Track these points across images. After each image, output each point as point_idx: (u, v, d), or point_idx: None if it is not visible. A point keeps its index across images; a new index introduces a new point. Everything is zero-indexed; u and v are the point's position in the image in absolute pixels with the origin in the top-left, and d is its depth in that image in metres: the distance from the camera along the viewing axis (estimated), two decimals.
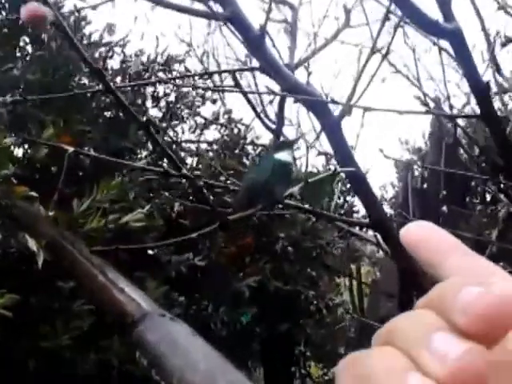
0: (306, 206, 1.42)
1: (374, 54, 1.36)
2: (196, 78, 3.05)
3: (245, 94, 3.44)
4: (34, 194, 1.36)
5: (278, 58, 1.38)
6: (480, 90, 1.12)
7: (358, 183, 1.25)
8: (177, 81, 2.60)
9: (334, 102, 1.18)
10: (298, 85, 1.27)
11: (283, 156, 1.09)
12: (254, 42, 1.27)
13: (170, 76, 2.62)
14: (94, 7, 1.92)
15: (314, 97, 1.20)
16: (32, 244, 1.02)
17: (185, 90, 2.87)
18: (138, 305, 0.73)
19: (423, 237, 0.25)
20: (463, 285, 0.20)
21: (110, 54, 2.77)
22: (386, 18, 1.24)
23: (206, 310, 2.60)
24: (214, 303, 2.56)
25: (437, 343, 0.20)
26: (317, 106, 1.25)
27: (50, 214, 1.37)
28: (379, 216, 1.23)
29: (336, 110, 1.25)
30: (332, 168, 2.92)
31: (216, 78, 3.45)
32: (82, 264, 0.81)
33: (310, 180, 1.00)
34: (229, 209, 1.09)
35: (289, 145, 1.16)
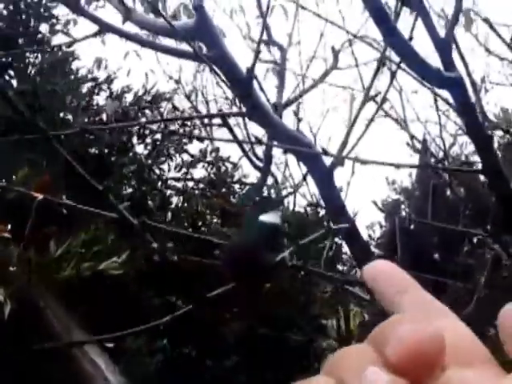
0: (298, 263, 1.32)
1: (368, 102, 1.33)
2: (184, 116, 3.02)
3: (232, 131, 3.42)
4: (6, 235, 1.29)
5: (265, 102, 1.32)
6: (482, 141, 1.07)
7: (352, 238, 1.19)
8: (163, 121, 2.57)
9: (325, 153, 1.11)
10: (287, 132, 1.22)
11: (271, 217, 0.98)
12: (241, 84, 1.21)
13: (156, 113, 2.58)
14: (87, 37, 1.88)
15: (304, 145, 1.15)
16: None
17: (172, 127, 2.84)
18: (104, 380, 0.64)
19: (384, 274, 0.27)
20: (402, 321, 0.22)
21: (96, 90, 2.73)
22: (382, 64, 1.20)
23: (190, 355, 2.49)
24: (198, 349, 2.45)
25: (368, 376, 0.21)
26: (307, 157, 1.20)
27: (23, 255, 1.29)
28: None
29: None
30: (321, 215, 2.86)
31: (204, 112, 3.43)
32: (48, 322, 0.73)
33: (301, 242, 0.91)
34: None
35: (275, 204, 1.04)
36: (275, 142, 1.44)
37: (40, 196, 0.85)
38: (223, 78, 1.23)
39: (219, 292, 0.70)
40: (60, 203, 0.50)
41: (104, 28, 1.44)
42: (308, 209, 3.13)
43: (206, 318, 2.24)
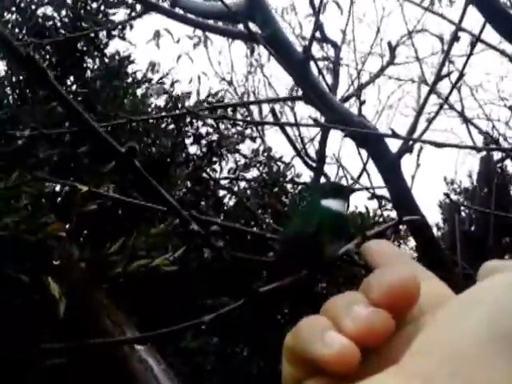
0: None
1: (441, 80, 1.22)
2: (236, 116, 3.03)
3: (285, 130, 3.39)
4: (63, 234, 1.32)
5: (323, 85, 1.24)
6: None
7: (422, 232, 1.12)
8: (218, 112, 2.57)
9: (395, 135, 0.96)
10: (349, 116, 1.14)
11: (336, 205, 0.85)
12: (297, 66, 1.14)
13: (213, 115, 2.59)
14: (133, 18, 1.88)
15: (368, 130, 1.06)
16: (54, 289, 0.96)
17: (226, 131, 2.84)
18: None
19: (380, 250, 0.31)
20: (385, 269, 0.26)
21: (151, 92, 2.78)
22: (456, 39, 1.10)
23: (242, 354, 2.49)
24: (250, 349, 2.44)
25: (355, 311, 0.24)
26: (371, 141, 1.12)
27: (79, 254, 1.33)
28: (443, 265, 1.10)
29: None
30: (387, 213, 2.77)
31: (256, 115, 3.43)
32: (101, 319, 0.74)
33: (368, 234, 0.81)
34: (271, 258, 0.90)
35: (343, 191, 0.89)
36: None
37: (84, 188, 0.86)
38: (278, 58, 1.17)
39: (273, 287, 0.65)
40: (106, 195, 0.49)
41: (155, 9, 1.43)
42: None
43: (259, 316, 2.23)
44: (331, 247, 0.83)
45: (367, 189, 1.65)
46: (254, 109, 4.14)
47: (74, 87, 2.61)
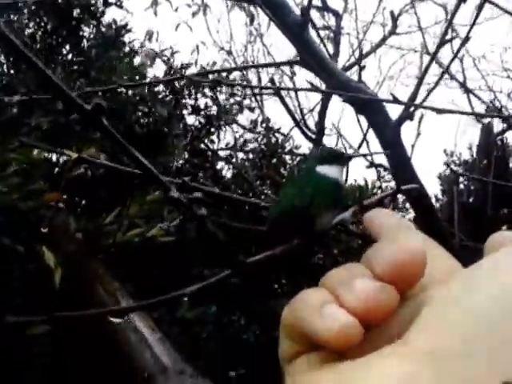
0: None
1: (445, 44, 1.17)
2: (234, 87, 2.99)
3: (284, 100, 3.36)
4: (60, 204, 1.32)
5: (321, 49, 1.19)
6: None
7: (420, 202, 1.11)
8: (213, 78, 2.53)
9: (396, 101, 0.90)
10: (348, 82, 1.10)
11: (332, 172, 0.81)
12: (295, 29, 1.10)
13: (207, 80, 2.56)
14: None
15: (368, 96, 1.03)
16: (49, 258, 0.96)
17: (221, 97, 2.81)
18: (153, 355, 0.64)
19: (381, 220, 0.30)
20: (388, 242, 0.25)
21: (149, 62, 2.74)
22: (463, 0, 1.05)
23: (239, 322, 2.52)
24: (247, 318, 2.47)
25: (357, 284, 0.23)
26: (371, 108, 1.08)
27: (78, 225, 1.33)
28: (441, 236, 1.09)
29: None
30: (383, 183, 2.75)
31: (254, 84, 3.38)
32: (95, 289, 0.74)
33: (365, 203, 0.77)
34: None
35: (340, 158, 0.84)
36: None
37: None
38: (277, 22, 1.12)
39: (262, 257, 0.61)
40: (94, 162, 0.48)
41: None
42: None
43: (255, 285, 2.25)
44: (326, 216, 0.78)
45: (365, 155, 1.62)
46: (253, 78, 4.09)
47: (70, 56, 2.57)
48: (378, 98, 1.23)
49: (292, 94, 3.62)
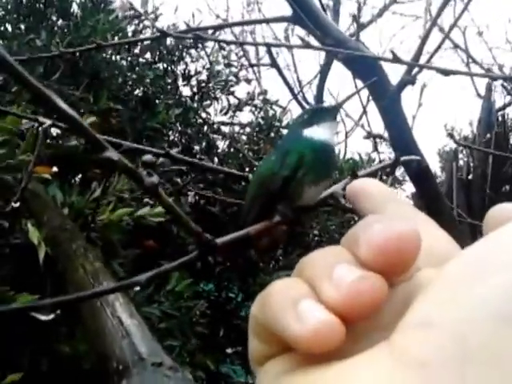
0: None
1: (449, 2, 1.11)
2: (231, 57, 2.87)
3: (281, 72, 3.24)
4: (48, 176, 1.23)
5: (317, 5, 1.10)
6: None
7: (420, 176, 1.04)
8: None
9: (397, 59, 0.79)
10: (345, 40, 1.01)
11: (320, 134, 0.66)
12: None
13: (201, 51, 2.44)
14: None
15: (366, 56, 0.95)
16: (33, 234, 0.88)
17: (218, 68, 2.70)
18: (130, 343, 0.56)
19: (366, 190, 0.26)
20: (373, 222, 0.20)
21: (140, 27, 2.62)
22: None
23: (235, 300, 2.48)
24: (243, 294, 2.43)
25: (338, 272, 0.19)
26: (369, 70, 1.00)
27: (65, 199, 1.25)
28: (442, 212, 1.03)
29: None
30: (382, 154, 2.67)
31: (252, 55, 3.26)
32: (76, 268, 0.66)
33: (360, 174, 0.65)
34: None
35: (328, 113, 0.68)
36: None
37: (47, 121, 0.77)
38: None
39: (234, 237, 0.52)
40: (85, 130, 0.40)
41: None
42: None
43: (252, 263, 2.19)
44: (313, 188, 0.63)
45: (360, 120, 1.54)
46: (250, 49, 3.95)
47: (56, 20, 2.44)
48: (376, 56, 1.14)
49: (291, 66, 3.52)
